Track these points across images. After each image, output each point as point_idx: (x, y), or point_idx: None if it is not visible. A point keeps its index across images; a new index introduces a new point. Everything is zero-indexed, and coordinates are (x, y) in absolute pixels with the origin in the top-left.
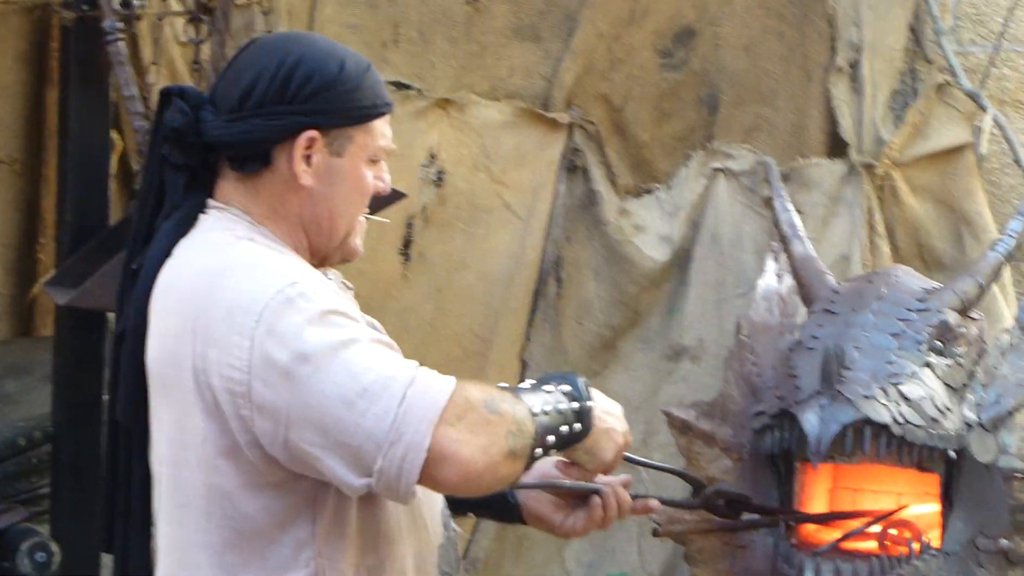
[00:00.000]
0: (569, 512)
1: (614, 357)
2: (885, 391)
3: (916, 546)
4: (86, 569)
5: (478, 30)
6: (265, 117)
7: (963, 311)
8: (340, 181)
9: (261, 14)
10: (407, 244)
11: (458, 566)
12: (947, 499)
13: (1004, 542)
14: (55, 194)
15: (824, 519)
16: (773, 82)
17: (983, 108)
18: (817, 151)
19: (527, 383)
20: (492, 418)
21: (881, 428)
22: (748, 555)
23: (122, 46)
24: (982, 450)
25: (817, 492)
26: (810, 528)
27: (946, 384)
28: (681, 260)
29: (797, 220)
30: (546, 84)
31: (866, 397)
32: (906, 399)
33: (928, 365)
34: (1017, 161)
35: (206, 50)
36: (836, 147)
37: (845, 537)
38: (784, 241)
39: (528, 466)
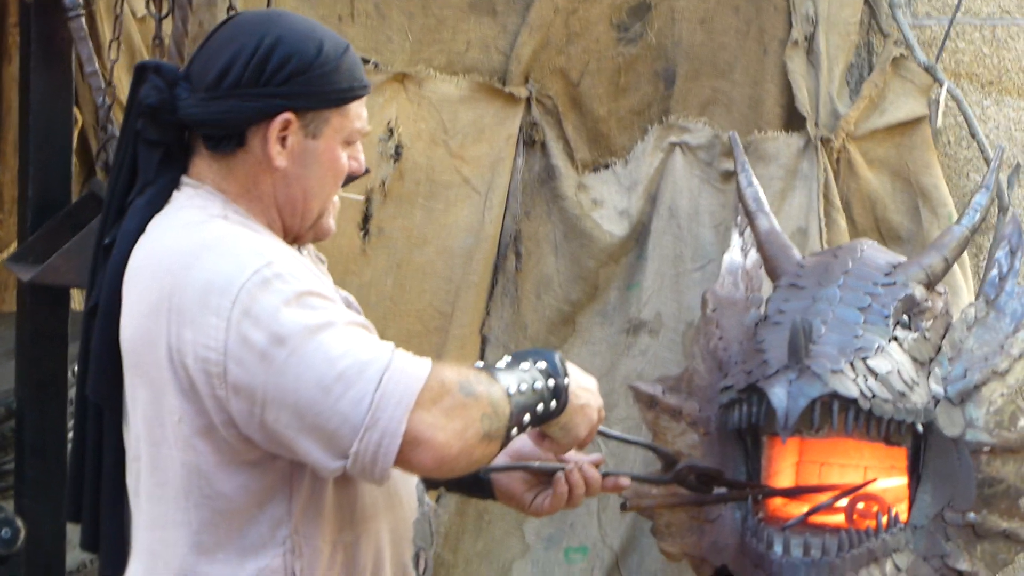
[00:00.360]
0: (539, 490)
1: (573, 332)
2: (853, 365)
3: (884, 520)
4: (51, 545)
5: (435, 4)
6: (241, 98)
7: (929, 285)
8: (315, 163)
9: None
10: (366, 219)
11: (432, 540)
12: (914, 473)
13: (972, 515)
14: (14, 169)
15: (795, 493)
16: (729, 56)
17: (939, 81)
18: (774, 125)
19: (503, 361)
20: (467, 401)
21: (849, 402)
22: (716, 529)
23: (83, 22)
24: (949, 424)
25: (784, 466)
26: (778, 502)
27: (913, 358)
28: (639, 235)
29: (762, 194)
30: (503, 58)
31: (834, 371)
32: (873, 373)
33: (895, 339)
34: (973, 134)
35: (167, 25)
36: (793, 120)
37: (813, 511)
38: (749, 216)
39: (503, 446)
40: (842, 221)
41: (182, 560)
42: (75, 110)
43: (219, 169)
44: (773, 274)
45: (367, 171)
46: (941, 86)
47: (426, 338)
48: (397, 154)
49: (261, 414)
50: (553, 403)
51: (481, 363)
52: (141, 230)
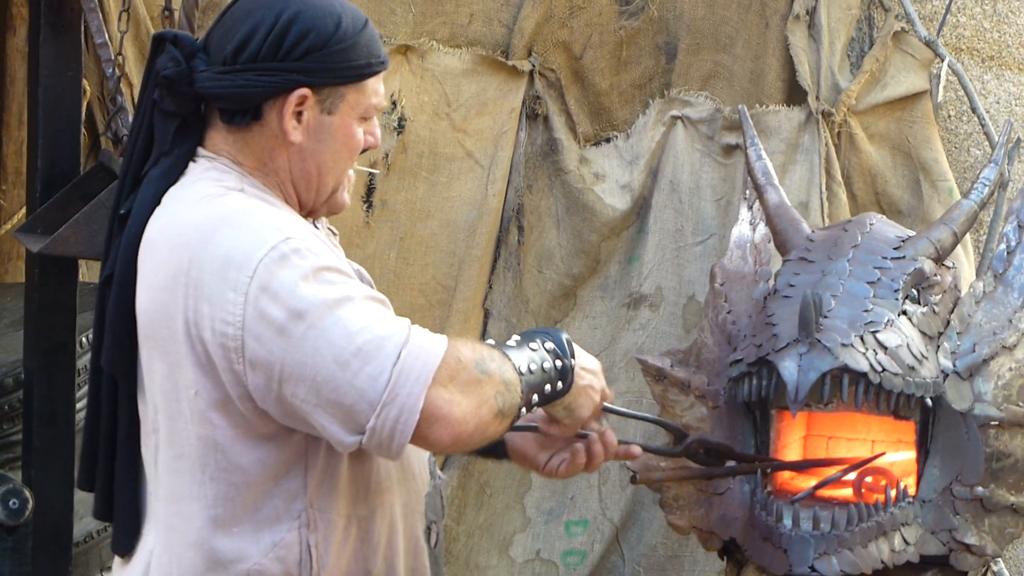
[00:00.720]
0: (553, 452)
1: (574, 305)
2: (862, 339)
3: (893, 493)
4: (59, 515)
5: None
6: (258, 72)
7: (938, 259)
8: (330, 138)
9: None
10: (369, 192)
11: (443, 513)
12: (923, 447)
13: (980, 489)
14: (16, 141)
15: (805, 466)
16: (731, 29)
17: (939, 56)
18: (775, 98)
19: (513, 339)
20: (482, 378)
21: (859, 376)
22: (724, 503)
23: None
24: (958, 398)
25: (791, 440)
26: (786, 476)
27: (922, 332)
28: (640, 208)
29: (771, 167)
30: (506, 31)
31: (844, 345)
32: (883, 347)
33: (904, 313)
34: (973, 108)
35: None
36: (794, 94)
37: (821, 484)
38: (758, 189)
39: (513, 424)
40: (843, 195)
41: (198, 533)
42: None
43: (235, 142)
44: (782, 248)
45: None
46: (942, 60)
47: (429, 312)
48: (400, 127)
49: (278, 388)
50: (560, 384)
51: (492, 341)
52: (157, 201)
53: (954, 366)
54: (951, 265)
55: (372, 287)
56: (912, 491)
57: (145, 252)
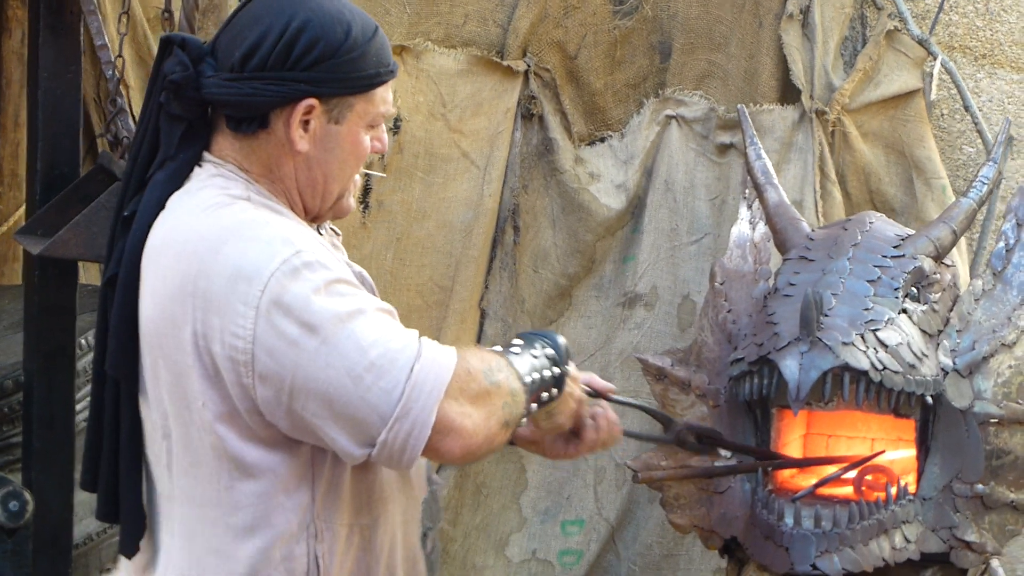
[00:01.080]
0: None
1: (569, 305)
2: (863, 337)
3: (893, 491)
4: (59, 517)
5: None
6: (266, 81)
7: (937, 258)
8: (337, 147)
9: None
10: (366, 193)
11: (439, 517)
12: (923, 445)
13: (980, 487)
14: (13, 144)
15: (803, 464)
16: (725, 29)
17: (932, 54)
18: (769, 97)
19: (516, 344)
20: (491, 389)
21: (860, 374)
22: (725, 501)
23: None
24: (958, 395)
25: (791, 438)
26: (786, 474)
27: (922, 330)
28: (635, 208)
29: (770, 167)
30: (501, 31)
31: (845, 343)
32: (884, 345)
33: (904, 311)
34: (966, 107)
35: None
36: (788, 93)
37: (822, 483)
38: (757, 188)
39: (514, 432)
40: (837, 193)
41: (220, 540)
42: None
43: (241, 148)
44: (782, 247)
45: None
46: (935, 59)
47: (426, 312)
48: (396, 128)
49: (288, 402)
50: (555, 391)
51: (499, 347)
52: (161, 205)
53: (954, 364)
54: (951, 263)
55: (374, 290)
56: (912, 489)
57: (149, 258)
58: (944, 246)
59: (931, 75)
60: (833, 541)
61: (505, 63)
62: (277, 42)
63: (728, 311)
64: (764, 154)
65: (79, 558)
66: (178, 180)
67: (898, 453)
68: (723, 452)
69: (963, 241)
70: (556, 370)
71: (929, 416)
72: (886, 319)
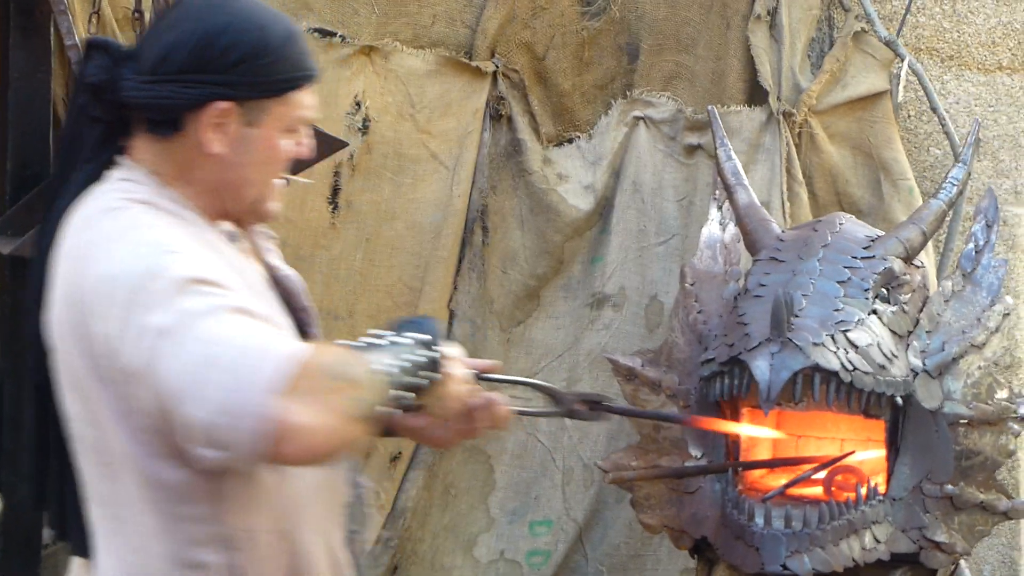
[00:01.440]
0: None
1: (538, 306)
2: (833, 338)
3: (863, 491)
4: (30, 517)
5: None
6: (180, 84)
7: (907, 259)
8: (252, 151)
9: None
10: (335, 193)
11: (366, 521)
12: (893, 445)
13: (949, 487)
14: None
15: (773, 464)
16: (693, 30)
17: (900, 56)
18: (736, 99)
19: (382, 333)
20: (337, 385)
21: (830, 375)
22: (695, 501)
23: None
24: (928, 396)
25: (761, 439)
26: (757, 474)
27: (892, 331)
28: (603, 209)
29: (740, 168)
30: (469, 32)
31: (815, 344)
32: (854, 346)
33: (874, 312)
34: (934, 108)
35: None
36: (755, 95)
37: (792, 483)
38: (728, 189)
39: (379, 425)
40: (804, 194)
41: (135, 543)
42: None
43: (158, 151)
44: (752, 248)
45: (346, 144)
46: (902, 60)
47: (395, 313)
48: (365, 128)
49: (155, 401)
50: (432, 374)
51: (362, 341)
52: (73, 208)
53: (924, 365)
54: (920, 264)
55: (299, 295)
56: (882, 489)
57: (56, 264)
58: (914, 247)
59: (898, 77)
60: (803, 541)
61: (474, 64)
62: (192, 45)
63: (699, 312)
64: (734, 155)
65: (48, 558)
66: (90, 183)
67: (868, 454)
68: (693, 452)
69: (930, 243)
70: (429, 353)
71: (899, 417)
72: (856, 320)
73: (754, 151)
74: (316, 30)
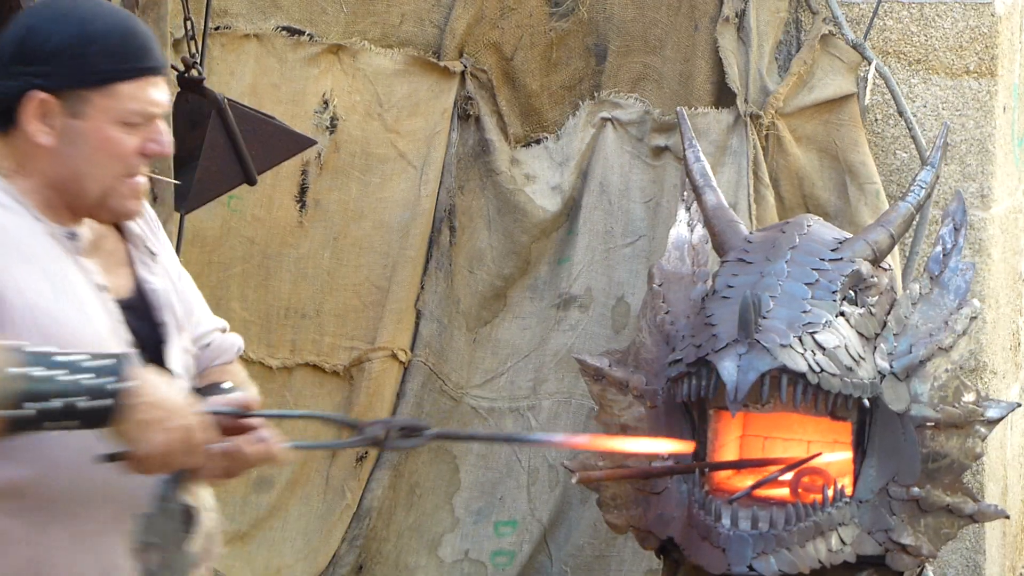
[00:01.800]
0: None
1: (504, 306)
2: (801, 340)
3: (830, 493)
4: None
5: None
6: (6, 76)
7: (875, 261)
8: (82, 143)
9: None
10: (302, 191)
11: (172, 538)
12: (860, 447)
13: (916, 490)
14: None
15: (740, 465)
16: (660, 32)
17: (867, 59)
18: (704, 101)
19: (67, 350)
20: None
21: (797, 376)
22: (662, 502)
23: None
24: (895, 399)
25: (728, 440)
26: (723, 475)
27: (859, 333)
28: (570, 210)
29: (708, 169)
30: (438, 32)
31: (783, 346)
32: (821, 348)
33: (842, 314)
34: (901, 112)
35: None
36: (723, 97)
37: (759, 484)
38: (696, 190)
39: (15, 430)
40: (771, 197)
41: None
42: None
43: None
44: (720, 249)
45: (315, 142)
46: (869, 64)
47: (363, 313)
48: (332, 127)
49: None
50: (102, 402)
51: (30, 348)
52: None
53: (891, 367)
54: (888, 267)
55: (158, 310)
56: (849, 491)
57: None
58: (882, 249)
59: (865, 80)
60: (770, 542)
61: (442, 64)
62: (17, 38)
63: (666, 312)
64: (703, 156)
65: None
66: None
67: (834, 455)
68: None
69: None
70: (102, 380)
71: (866, 419)
72: (824, 322)
73: (721, 153)
74: (284, 28)
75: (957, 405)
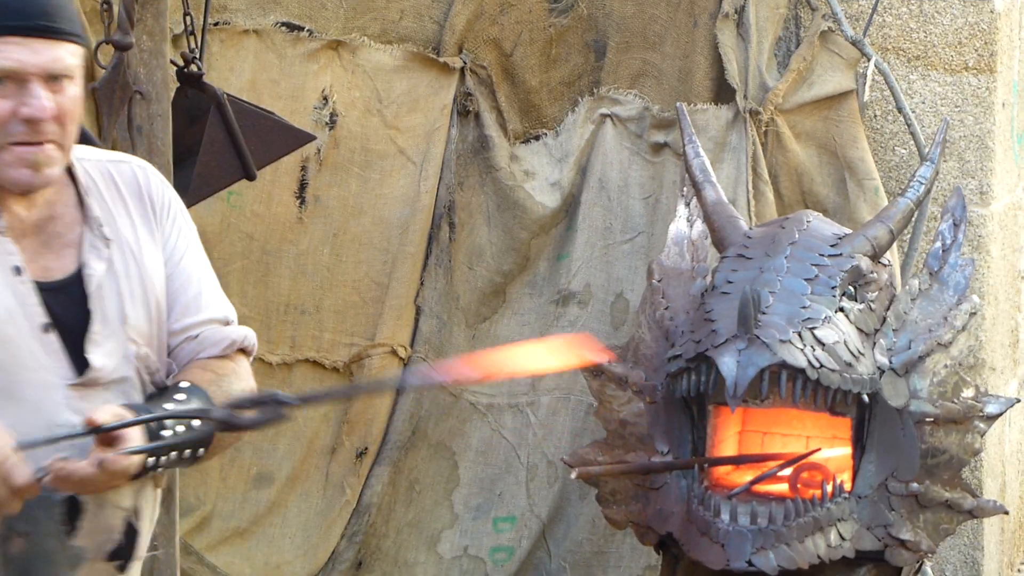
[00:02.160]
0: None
1: (503, 302)
2: (800, 335)
3: (829, 488)
4: None
5: None
6: None
7: (874, 257)
8: None
9: None
10: (302, 187)
11: (57, 531)
12: (859, 443)
13: (915, 485)
14: None
15: (739, 461)
16: (660, 28)
17: (866, 55)
18: (703, 97)
19: None
20: None
21: (797, 372)
22: (661, 497)
23: None
24: (894, 394)
25: (728, 435)
26: (722, 471)
27: (859, 329)
28: (569, 206)
29: (708, 165)
30: (437, 28)
31: (782, 341)
32: (821, 343)
33: (841, 310)
34: (900, 108)
35: None
36: (722, 93)
37: (758, 479)
38: (695, 186)
39: None
40: (770, 193)
41: None
42: None
43: None
44: (720, 245)
45: (314, 137)
46: (868, 60)
47: (363, 309)
48: (332, 123)
49: None
50: None
51: None
52: None
53: (890, 363)
54: (887, 263)
55: (89, 297)
56: (848, 487)
57: None
58: (881, 245)
59: (865, 76)
60: (769, 538)
61: (441, 60)
62: None
63: (666, 308)
64: (702, 152)
65: None
66: None
67: (834, 451)
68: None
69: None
70: None
71: (865, 414)
72: (823, 317)
73: (720, 149)
74: (284, 24)
75: (956, 401)
